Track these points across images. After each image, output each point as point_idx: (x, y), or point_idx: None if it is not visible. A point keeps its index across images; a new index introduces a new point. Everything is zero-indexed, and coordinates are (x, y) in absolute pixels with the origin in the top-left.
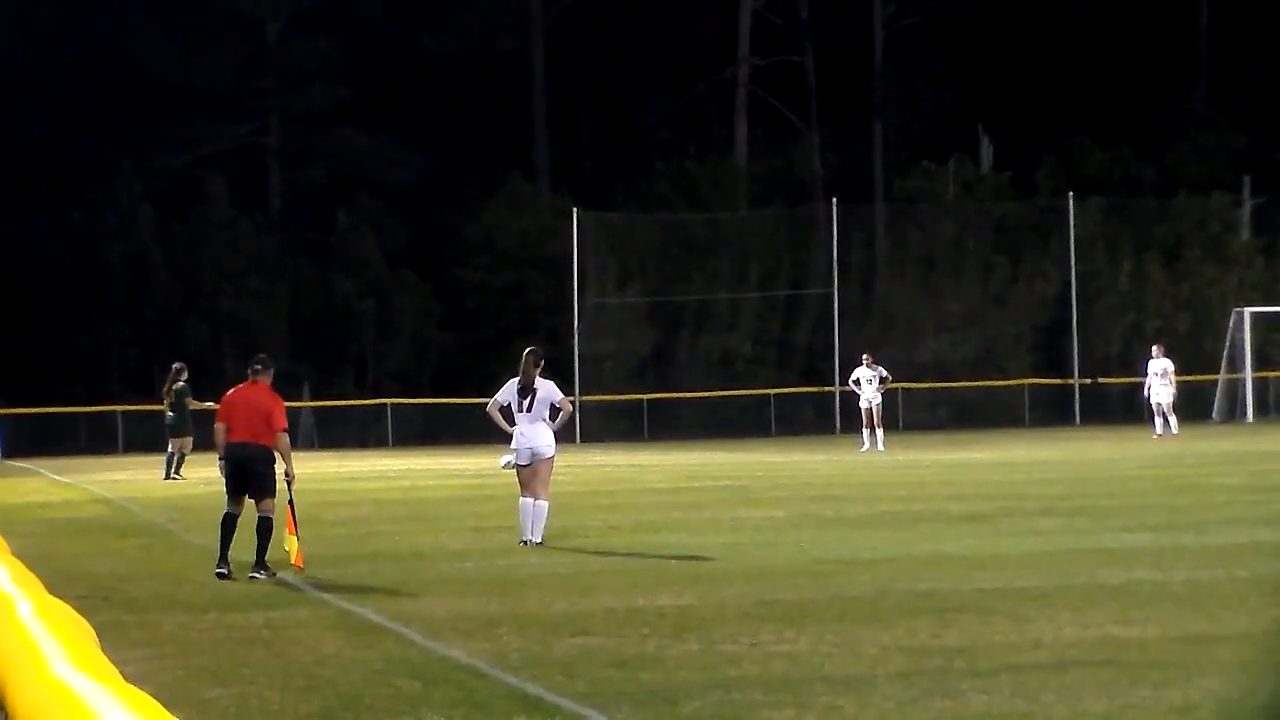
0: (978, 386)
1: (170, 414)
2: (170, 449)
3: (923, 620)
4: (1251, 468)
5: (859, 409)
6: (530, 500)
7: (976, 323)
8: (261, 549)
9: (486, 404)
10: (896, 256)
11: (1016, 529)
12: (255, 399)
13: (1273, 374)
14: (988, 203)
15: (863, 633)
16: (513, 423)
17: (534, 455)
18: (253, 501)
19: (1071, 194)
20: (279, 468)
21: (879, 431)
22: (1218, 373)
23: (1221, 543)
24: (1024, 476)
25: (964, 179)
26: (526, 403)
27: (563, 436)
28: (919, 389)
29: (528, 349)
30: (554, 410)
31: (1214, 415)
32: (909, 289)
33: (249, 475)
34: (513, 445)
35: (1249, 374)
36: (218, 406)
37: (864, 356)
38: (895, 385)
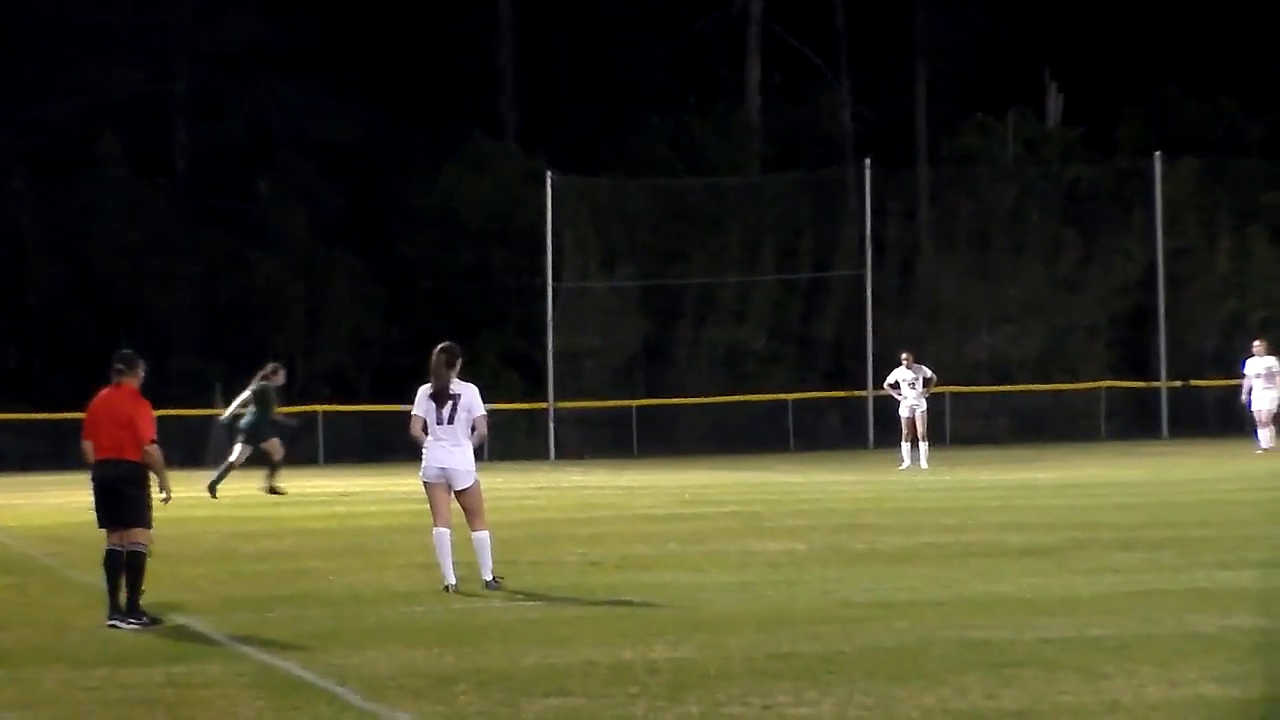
0: (1043, 391)
1: (248, 415)
2: (233, 457)
3: (975, 677)
4: None
5: (898, 418)
6: (446, 531)
7: (1042, 313)
8: (133, 589)
9: None
10: (943, 231)
11: (1089, 565)
12: (117, 406)
13: None
14: (1056, 165)
15: (901, 692)
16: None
17: (445, 477)
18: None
19: (1159, 154)
20: (157, 489)
21: (923, 445)
22: None
23: None
24: (1098, 501)
25: (1027, 136)
26: (446, 412)
27: (534, 452)
28: (971, 393)
29: (439, 346)
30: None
31: None
32: (958, 271)
33: (115, 499)
34: (422, 463)
35: None
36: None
37: (903, 355)
38: (942, 389)
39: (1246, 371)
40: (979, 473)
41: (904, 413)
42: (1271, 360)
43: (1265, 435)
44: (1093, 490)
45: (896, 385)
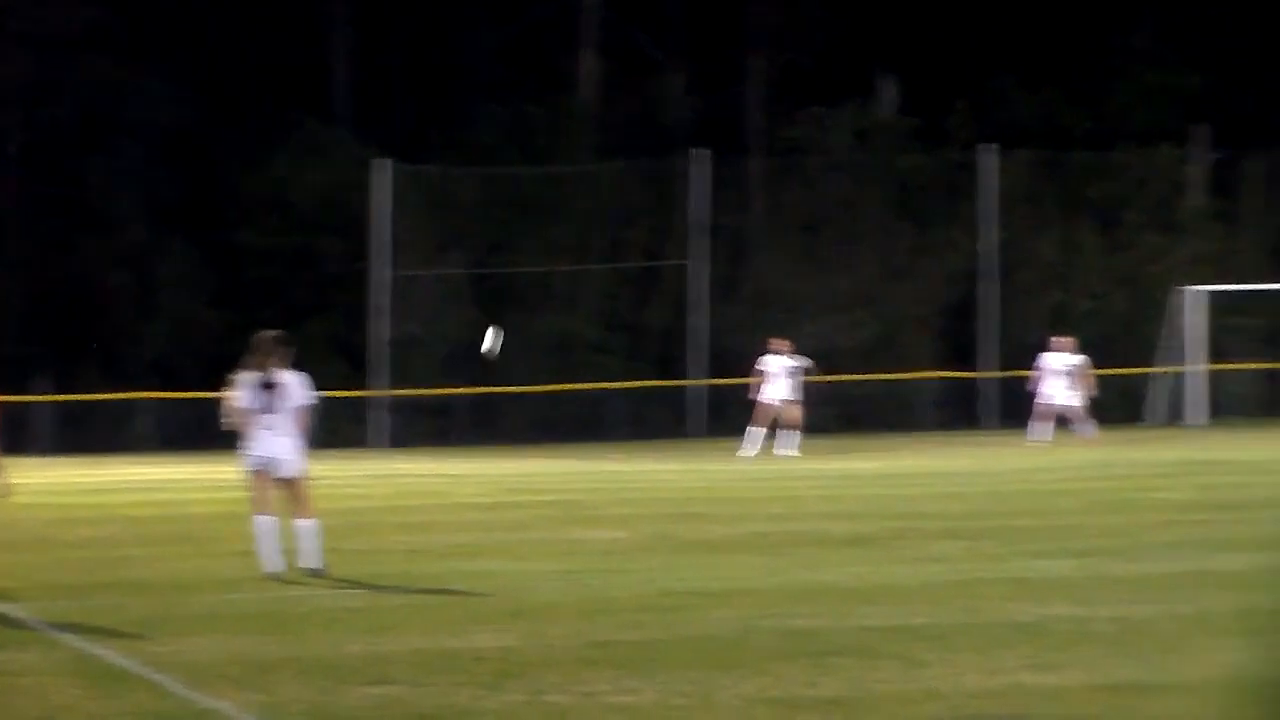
0: (870, 380)
1: None
2: None
3: (795, 665)
4: (1198, 480)
5: (744, 405)
6: (271, 519)
7: (871, 303)
8: None
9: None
10: (776, 222)
11: (911, 555)
12: None
13: (1228, 367)
14: (890, 156)
15: (722, 680)
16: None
17: (271, 465)
18: None
19: (989, 146)
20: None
21: (795, 434)
22: (1157, 363)
23: (1160, 572)
24: (921, 491)
25: (860, 127)
26: (272, 400)
27: (358, 440)
28: (800, 383)
29: (265, 333)
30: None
31: (1144, 415)
32: (789, 261)
33: None
34: (248, 451)
35: (1199, 366)
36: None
37: (779, 342)
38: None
39: (1043, 365)
40: (804, 463)
41: (768, 399)
42: (1077, 358)
43: (1087, 428)
44: (917, 480)
45: (763, 372)
